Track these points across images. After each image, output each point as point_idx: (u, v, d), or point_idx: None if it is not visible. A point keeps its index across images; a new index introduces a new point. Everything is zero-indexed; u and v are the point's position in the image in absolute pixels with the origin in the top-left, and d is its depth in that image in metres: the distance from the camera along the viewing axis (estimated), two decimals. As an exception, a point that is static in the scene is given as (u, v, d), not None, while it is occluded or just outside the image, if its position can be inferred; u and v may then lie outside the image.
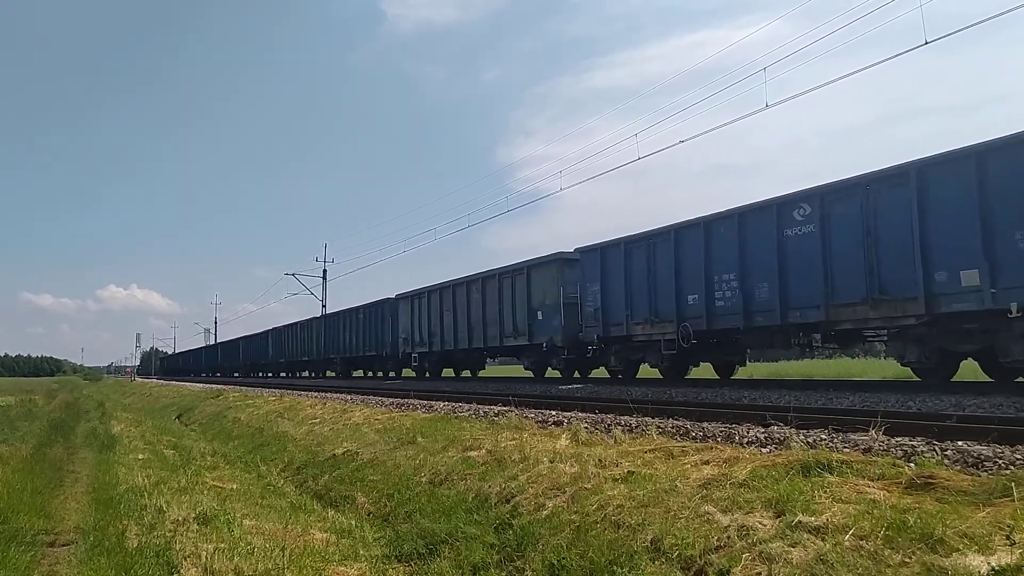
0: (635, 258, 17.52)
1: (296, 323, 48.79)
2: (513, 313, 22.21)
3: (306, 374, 48.89)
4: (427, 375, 29.49)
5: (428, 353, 28.38)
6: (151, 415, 26.12)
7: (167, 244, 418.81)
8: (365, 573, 5.56)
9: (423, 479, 7.87)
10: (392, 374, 34.04)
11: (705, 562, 4.17)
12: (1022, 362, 10.58)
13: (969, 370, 12.63)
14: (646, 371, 19.41)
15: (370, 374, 37.99)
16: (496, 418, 10.41)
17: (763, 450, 6.44)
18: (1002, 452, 5.54)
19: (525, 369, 23.43)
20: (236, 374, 65.48)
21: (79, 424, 21.81)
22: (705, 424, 8.44)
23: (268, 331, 56.37)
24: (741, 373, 18.77)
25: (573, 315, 19.58)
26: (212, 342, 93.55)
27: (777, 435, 7.09)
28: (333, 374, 40.67)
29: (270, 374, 57.71)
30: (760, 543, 4.08)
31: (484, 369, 30.61)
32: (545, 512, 5.73)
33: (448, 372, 30.26)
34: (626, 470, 5.99)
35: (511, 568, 5.22)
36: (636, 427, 8.45)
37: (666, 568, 4.30)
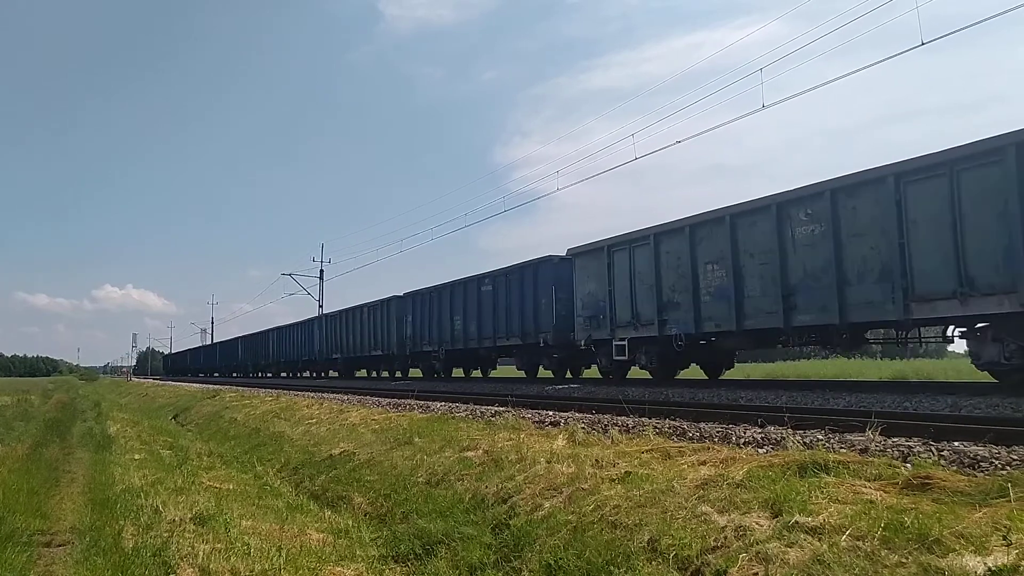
0: None
1: (362, 305, 36.54)
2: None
3: (362, 373, 39.06)
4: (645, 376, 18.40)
5: (656, 340, 16.75)
6: (147, 415, 26.06)
7: (162, 244, 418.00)
8: (362, 573, 5.56)
9: (420, 479, 7.86)
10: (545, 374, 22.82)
11: (702, 562, 4.17)
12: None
13: (974, 369, 12.20)
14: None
15: (455, 373, 27.90)
16: (493, 418, 10.41)
17: (760, 450, 6.45)
18: (998, 453, 5.55)
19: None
20: (263, 374, 54.47)
21: (75, 424, 21.77)
22: (702, 424, 8.45)
23: (314, 319, 45.47)
24: (737, 374, 18.34)
25: None
26: (209, 342, 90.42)
27: (774, 435, 7.10)
28: (419, 374, 30.99)
29: (309, 373, 47.02)
30: (757, 543, 4.08)
31: (732, 367, 19.01)
32: (542, 512, 5.73)
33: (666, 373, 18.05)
34: (623, 470, 5.99)
35: (508, 568, 5.22)
36: (633, 427, 8.45)
37: (663, 569, 4.30)
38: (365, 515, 7.61)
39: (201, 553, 5.44)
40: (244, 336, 63.39)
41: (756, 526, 4.30)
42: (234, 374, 61.51)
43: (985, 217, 10.53)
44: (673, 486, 5.29)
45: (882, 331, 13.88)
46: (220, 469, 11.01)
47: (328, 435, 12.04)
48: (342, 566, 5.60)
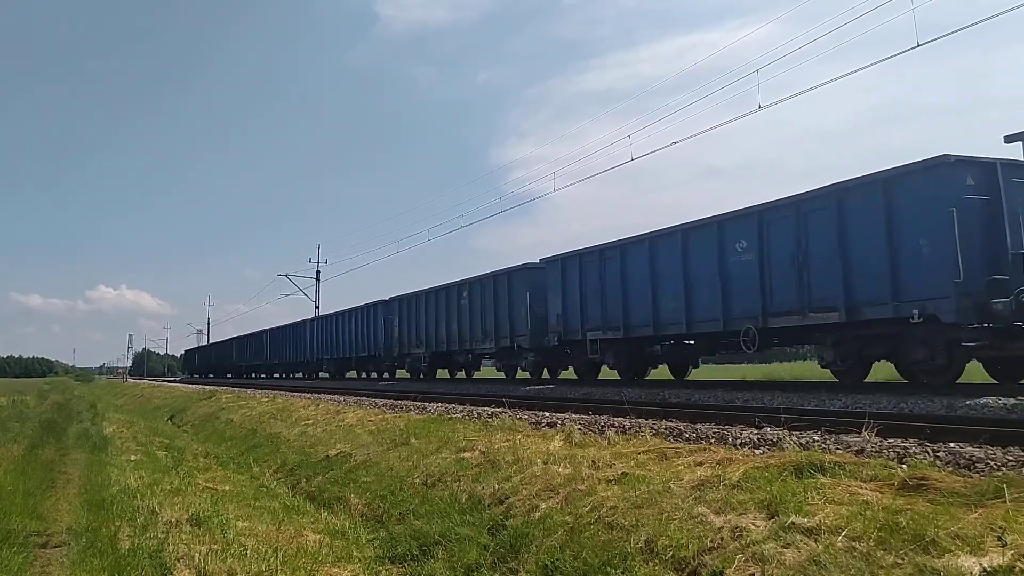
0: None
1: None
2: None
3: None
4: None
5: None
6: (143, 416, 26.02)
7: (155, 243, 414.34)
8: (359, 574, 5.56)
9: (416, 480, 7.86)
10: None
11: (698, 563, 4.18)
12: None
13: (970, 370, 12.59)
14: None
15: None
16: (490, 419, 10.41)
17: (756, 451, 6.46)
18: (994, 454, 5.57)
19: None
20: (349, 373, 39.06)
21: (71, 425, 21.68)
22: (698, 425, 8.46)
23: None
24: (734, 374, 18.56)
25: None
26: (205, 342, 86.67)
27: (770, 436, 7.11)
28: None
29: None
30: (753, 544, 4.09)
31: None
32: (539, 513, 5.73)
33: None
34: (620, 471, 6.00)
35: (505, 569, 5.22)
36: (630, 428, 8.46)
37: (660, 569, 4.31)
38: (362, 516, 7.60)
39: (197, 554, 5.43)
40: (315, 319, 50.86)
41: (752, 527, 4.31)
42: (308, 373, 45.57)
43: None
44: (670, 487, 5.30)
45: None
46: (216, 470, 11.00)
47: (324, 436, 12.03)
48: (339, 567, 5.60)
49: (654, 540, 4.56)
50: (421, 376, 29.14)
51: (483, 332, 23.55)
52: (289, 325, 47.47)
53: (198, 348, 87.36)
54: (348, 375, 38.75)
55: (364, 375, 37.02)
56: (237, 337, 63.32)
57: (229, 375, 63.75)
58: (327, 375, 40.35)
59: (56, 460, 12.85)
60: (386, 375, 33.60)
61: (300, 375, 45.42)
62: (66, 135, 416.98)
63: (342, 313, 37.48)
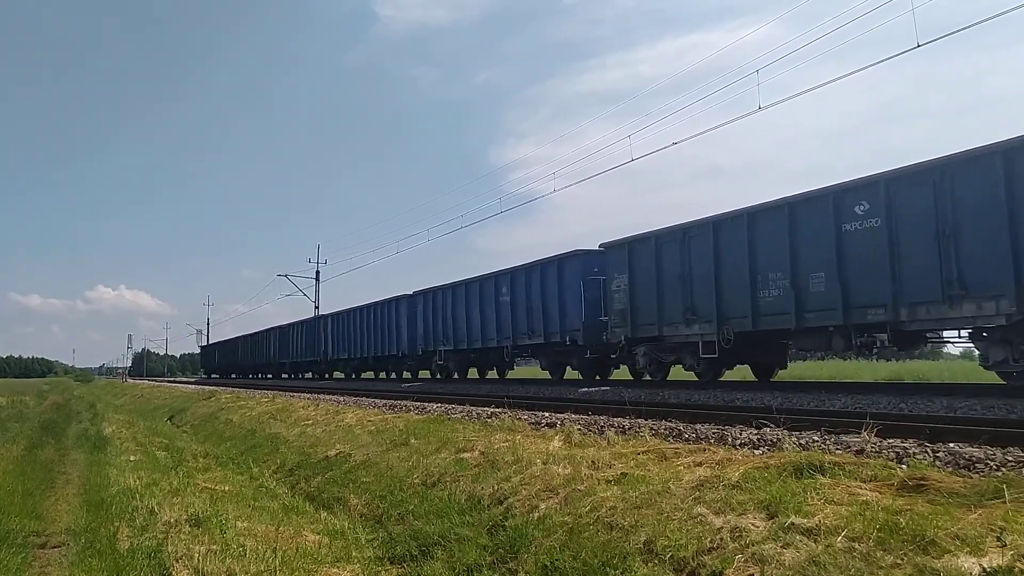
0: None
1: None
2: None
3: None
4: None
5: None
6: (143, 416, 26.02)
7: (154, 243, 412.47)
8: (358, 575, 5.56)
9: (416, 480, 7.86)
10: None
11: (698, 563, 4.18)
12: None
13: (970, 370, 12.65)
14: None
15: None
16: (489, 420, 10.41)
17: (756, 452, 6.46)
18: (993, 454, 5.56)
19: None
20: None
21: (70, 425, 21.71)
22: (698, 426, 8.45)
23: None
24: (734, 375, 18.31)
25: None
26: (206, 342, 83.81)
27: (770, 437, 7.10)
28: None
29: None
30: (753, 544, 4.09)
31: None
32: (538, 514, 5.73)
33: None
34: (619, 472, 6.00)
35: (504, 570, 5.22)
36: (629, 428, 8.45)
37: (659, 570, 4.30)
38: (361, 516, 7.60)
39: (197, 555, 5.43)
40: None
41: (752, 527, 4.30)
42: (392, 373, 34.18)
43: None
44: (669, 487, 5.29)
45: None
46: (216, 470, 11.00)
47: (324, 436, 12.03)
48: (338, 567, 5.60)
49: (653, 540, 4.56)
50: (699, 377, 16.47)
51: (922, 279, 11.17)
52: (365, 307, 33.92)
53: (219, 343, 72.27)
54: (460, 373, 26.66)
55: (494, 371, 25.44)
56: (279, 327, 49.81)
57: (264, 375, 53.83)
58: (440, 375, 27.54)
59: (55, 460, 12.87)
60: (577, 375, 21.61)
61: (384, 375, 34.08)
62: (65, 134, 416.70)
63: (477, 281, 24.37)
